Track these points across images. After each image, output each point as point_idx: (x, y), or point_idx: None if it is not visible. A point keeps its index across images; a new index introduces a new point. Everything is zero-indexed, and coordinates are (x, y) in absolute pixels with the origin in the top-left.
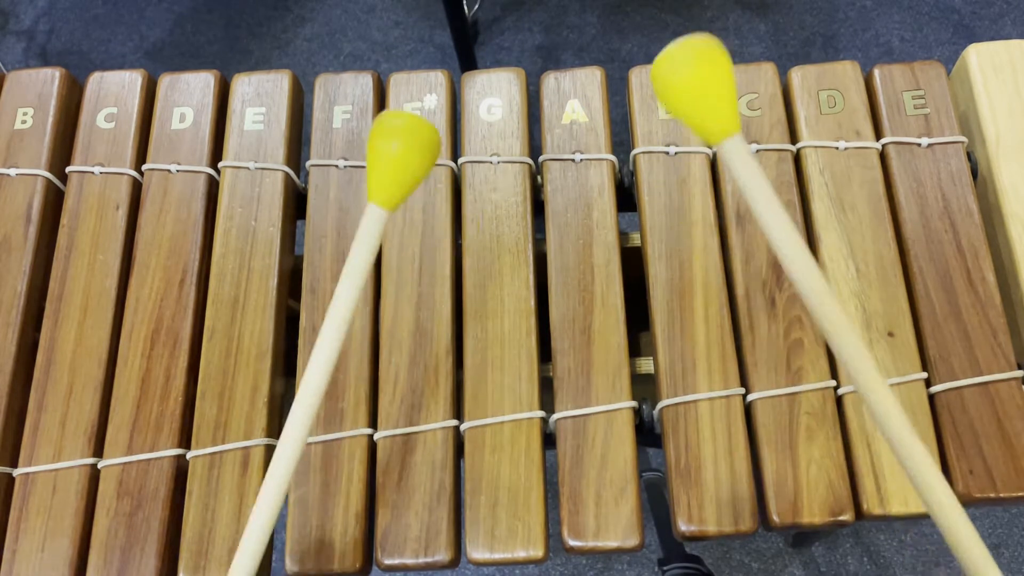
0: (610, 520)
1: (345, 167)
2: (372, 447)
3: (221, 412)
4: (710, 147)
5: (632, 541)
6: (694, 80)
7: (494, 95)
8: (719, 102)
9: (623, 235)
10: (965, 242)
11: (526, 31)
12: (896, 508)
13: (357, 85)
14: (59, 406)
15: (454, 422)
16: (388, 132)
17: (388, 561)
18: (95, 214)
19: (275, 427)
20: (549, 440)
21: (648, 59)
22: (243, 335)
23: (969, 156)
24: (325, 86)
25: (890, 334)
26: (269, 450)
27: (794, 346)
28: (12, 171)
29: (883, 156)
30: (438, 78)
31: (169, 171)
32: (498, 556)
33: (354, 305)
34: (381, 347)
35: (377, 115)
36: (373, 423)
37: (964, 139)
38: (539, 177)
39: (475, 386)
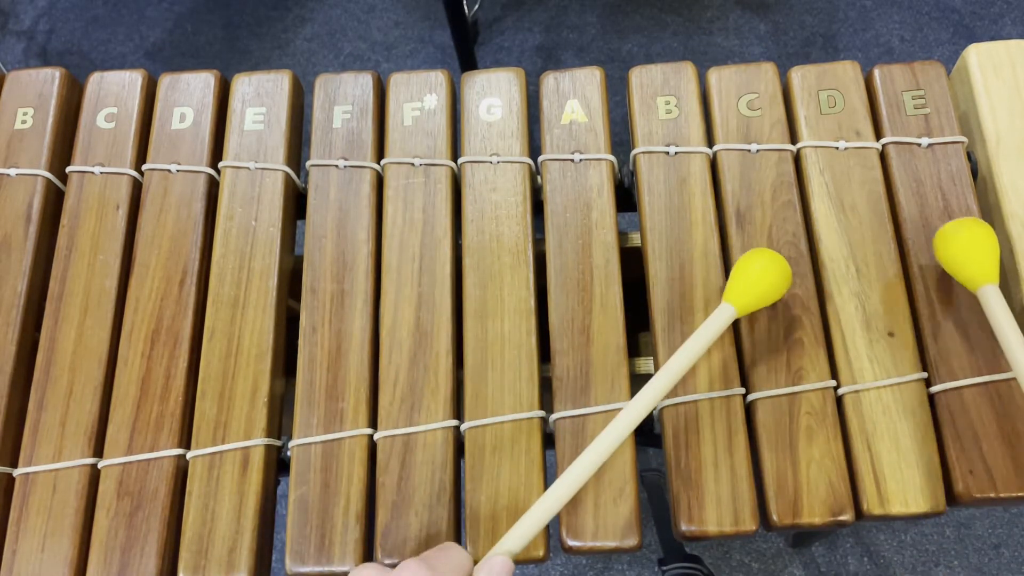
0: (608, 520)
1: (345, 167)
2: (372, 447)
3: (221, 412)
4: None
5: (630, 541)
6: (970, 240)
7: (494, 95)
8: (985, 257)
9: (623, 235)
10: None
11: (526, 31)
12: (896, 508)
13: (357, 85)
14: (59, 406)
15: (454, 422)
16: (767, 258)
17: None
18: (95, 214)
19: (275, 427)
20: (549, 440)
21: (648, 59)
22: (243, 335)
23: (969, 156)
24: (325, 86)
25: (890, 334)
26: (269, 450)
27: (794, 346)
28: (12, 171)
29: (883, 156)
30: (438, 78)
31: (169, 171)
32: None
33: (676, 380)
34: (381, 347)
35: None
36: (373, 423)
37: (964, 139)
38: (539, 177)
39: (475, 386)
